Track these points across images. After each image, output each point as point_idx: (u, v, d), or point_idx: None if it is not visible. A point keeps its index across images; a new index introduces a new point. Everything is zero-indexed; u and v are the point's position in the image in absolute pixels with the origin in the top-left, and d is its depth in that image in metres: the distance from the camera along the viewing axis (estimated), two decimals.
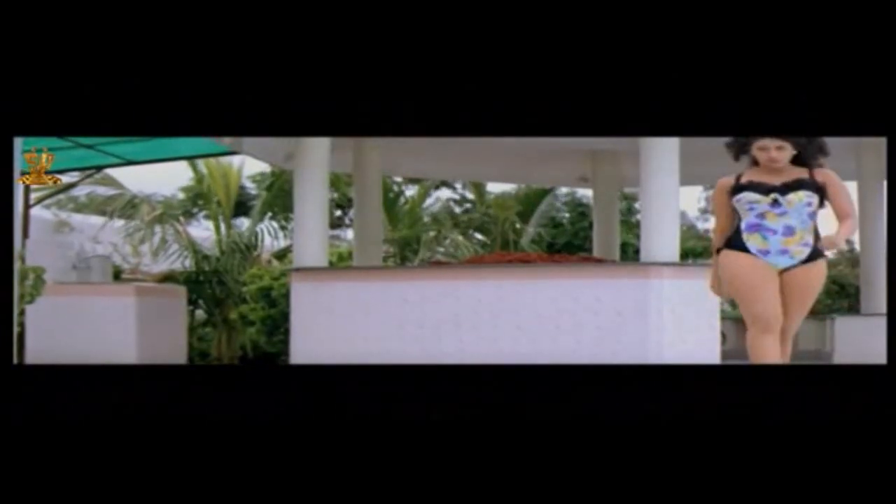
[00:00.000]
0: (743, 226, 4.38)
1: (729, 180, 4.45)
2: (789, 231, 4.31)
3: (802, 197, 4.30)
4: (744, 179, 4.39)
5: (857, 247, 11.07)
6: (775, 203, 4.30)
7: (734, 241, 4.40)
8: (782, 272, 4.36)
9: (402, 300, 8.24)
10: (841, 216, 4.34)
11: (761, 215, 4.32)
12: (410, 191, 17.12)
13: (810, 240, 4.34)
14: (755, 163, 4.40)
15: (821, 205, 4.38)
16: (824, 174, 4.36)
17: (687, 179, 8.60)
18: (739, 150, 4.44)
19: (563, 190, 17.42)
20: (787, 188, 4.30)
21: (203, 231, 15.30)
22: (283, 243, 14.44)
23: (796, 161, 4.38)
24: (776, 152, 4.29)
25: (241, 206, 15.46)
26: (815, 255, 4.36)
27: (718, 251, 4.52)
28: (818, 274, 4.41)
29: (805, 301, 4.43)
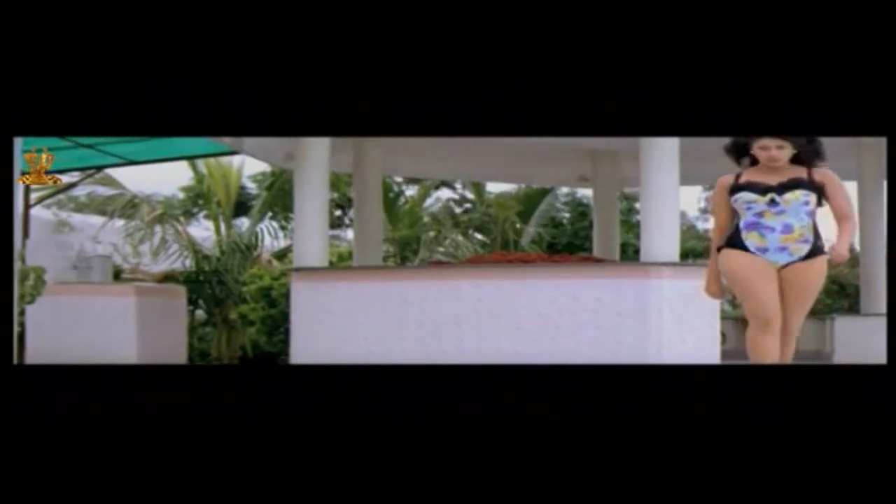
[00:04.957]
0: (741, 224, 4.46)
1: (728, 179, 4.53)
2: (788, 229, 4.39)
3: (799, 196, 4.38)
4: (742, 179, 4.47)
5: (857, 247, 11.06)
6: (772, 202, 4.39)
7: (734, 240, 4.49)
8: (781, 269, 4.42)
9: (403, 300, 8.24)
10: (839, 217, 4.43)
11: (759, 214, 4.41)
12: (410, 191, 17.13)
13: (810, 237, 4.41)
14: (754, 162, 4.48)
15: (819, 203, 4.45)
16: (822, 173, 4.44)
17: (687, 179, 8.60)
18: (739, 153, 4.53)
19: (563, 190, 17.42)
20: (783, 188, 4.39)
21: (203, 231, 15.30)
22: (283, 243, 14.44)
23: (796, 160, 4.44)
24: (776, 151, 4.38)
25: (242, 206, 15.46)
26: (815, 251, 4.42)
27: (719, 249, 4.60)
28: (818, 271, 4.46)
29: (805, 298, 4.49)
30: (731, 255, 4.49)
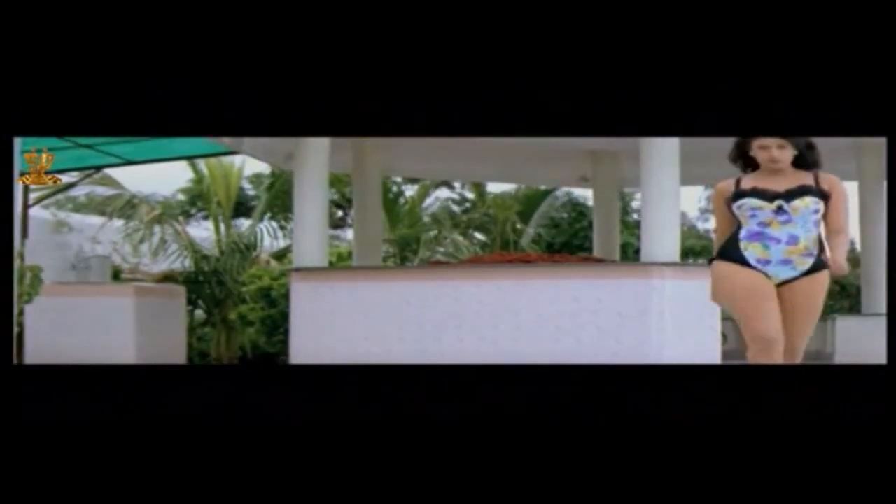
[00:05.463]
0: (742, 233, 4.12)
1: (728, 185, 4.21)
2: (793, 240, 4.06)
3: (809, 203, 4.06)
4: (745, 184, 4.14)
5: (858, 247, 11.06)
6: (780, 210, 4.06)
7: (729, 251, 4.13)
8: (781, 285, 4.10)
9: (403, 300, 8.24)
10: (833, 230, 4.11)
11: (764, 223, 4.08)
12: (410, 191, 17.14)
13: (814, 250, 4.09)
14: (754, 167, 4.20)
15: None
16: (830, 181, 4.13)
17: (687, 179, 8.60)
18: (738, 156, 4.25)
19: (562, 190, 17.43)
20: (791, 194, 4.07)
21: (203, 231, 15.29)
22: (282, 243, 14.45)
23: (798, 164, 4.16)
24: (777, 151, 4.07)
25: (241, 206, 15.46)
26: (818, 265, 4.10)
27: (710, 261, 4.27)
28: (822, 285, 4.15)
29: (810, 317, 4.16)
30: (726, 270, 4.12)
